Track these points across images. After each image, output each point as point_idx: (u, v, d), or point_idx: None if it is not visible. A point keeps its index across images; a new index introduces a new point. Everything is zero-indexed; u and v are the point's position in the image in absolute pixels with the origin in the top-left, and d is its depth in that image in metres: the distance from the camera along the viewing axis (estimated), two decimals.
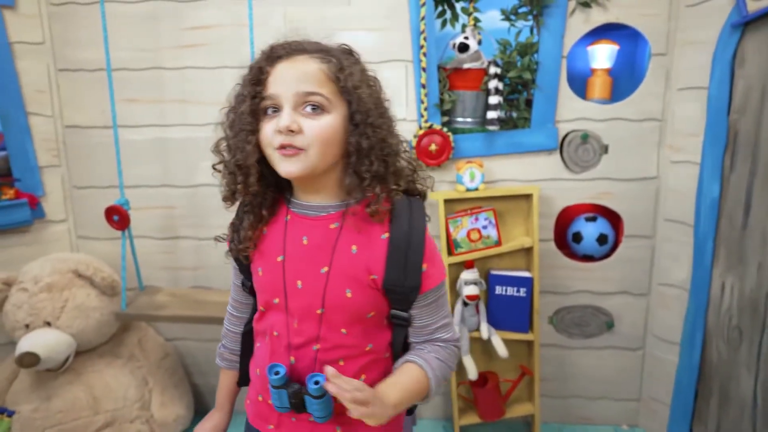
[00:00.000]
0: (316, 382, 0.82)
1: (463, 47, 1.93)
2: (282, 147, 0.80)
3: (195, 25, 1.99)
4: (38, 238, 2.10)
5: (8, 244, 2.03)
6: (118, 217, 1.88)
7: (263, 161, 0.84)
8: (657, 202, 2.02)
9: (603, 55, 1.99)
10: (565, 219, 2.12)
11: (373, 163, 0.82)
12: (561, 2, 1.88)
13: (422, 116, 1.98)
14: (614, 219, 2.09)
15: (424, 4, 1.89)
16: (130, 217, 1.91)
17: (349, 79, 0.80)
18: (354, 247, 0.84)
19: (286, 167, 0.80)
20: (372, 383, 0.85)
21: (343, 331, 0.86)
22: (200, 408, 2.25)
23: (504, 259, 2.07)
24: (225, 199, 0.88)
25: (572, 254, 2.13)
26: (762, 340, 1.73)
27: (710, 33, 1.77)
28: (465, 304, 2.00)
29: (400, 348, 0.92)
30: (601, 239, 2.05)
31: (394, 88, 1.98)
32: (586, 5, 1.87)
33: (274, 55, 0.82)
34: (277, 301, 0.89)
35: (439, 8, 2.02)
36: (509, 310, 2.02)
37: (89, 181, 2.14)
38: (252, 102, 0.81)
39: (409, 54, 1.97)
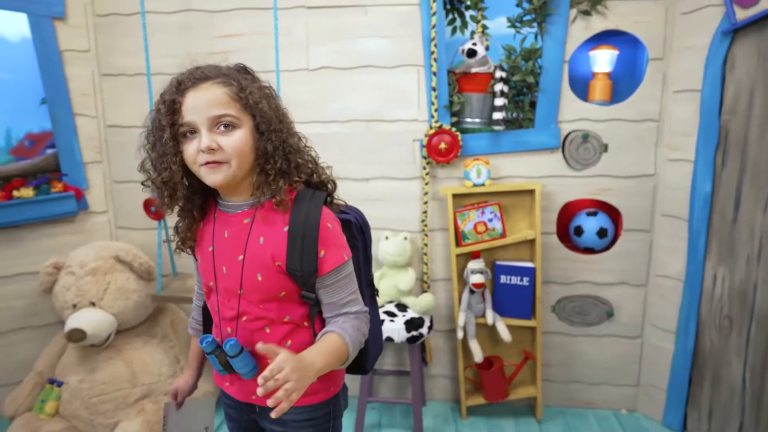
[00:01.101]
0: (231, 347, 1.00)
1: (472, 53, 2.07)
2: (206, 163, 0.94)
3: (225, 33, 2.17)
4: (82, 228, 2.31)
5: (56, 233, 2.25)
6: (155, 208, 2.07)
7: (188, 172, 0.99)
8: (654, 198, 2.13)
9: (603, 60, 2.11)
10: (567, 213, 2.24)
11: (277, 162, 0.96)
12: (563, 11, 2.01)
13: (433, 117, 2.12)
14: (614, 214, 2.20)
15: (435, 13, 2.04)
16: None
17: (250, 96, 0.95)
18: (261, 239, 0.99)
19: (212, 178, 0.95)
20: (297, 347, 1.01)
21: (261, 306, 1.01)
22: None
23: (509, 250, 2.21)
24: (159, 208, 1.05)
25: (574, 246, 2.25)
26: (750, 328, 1.83)
27: (703, 39, 1.89)
28: (472, 291, 2.14)
29: (315, 318, 1.05)
30: (601, 233, 2.17)
31: (407, 91, 2.14)
32: (587, 13, 2.00)
33: (182, 86, 0.95)
34: (211, 284, 1.07)
35: (449, 16, 2.16)
36: (513, 298, 2.16)
37: (128, 176, 2.34)
38: (171, 129, 0.95)
39: (420, 59, 2.11)
